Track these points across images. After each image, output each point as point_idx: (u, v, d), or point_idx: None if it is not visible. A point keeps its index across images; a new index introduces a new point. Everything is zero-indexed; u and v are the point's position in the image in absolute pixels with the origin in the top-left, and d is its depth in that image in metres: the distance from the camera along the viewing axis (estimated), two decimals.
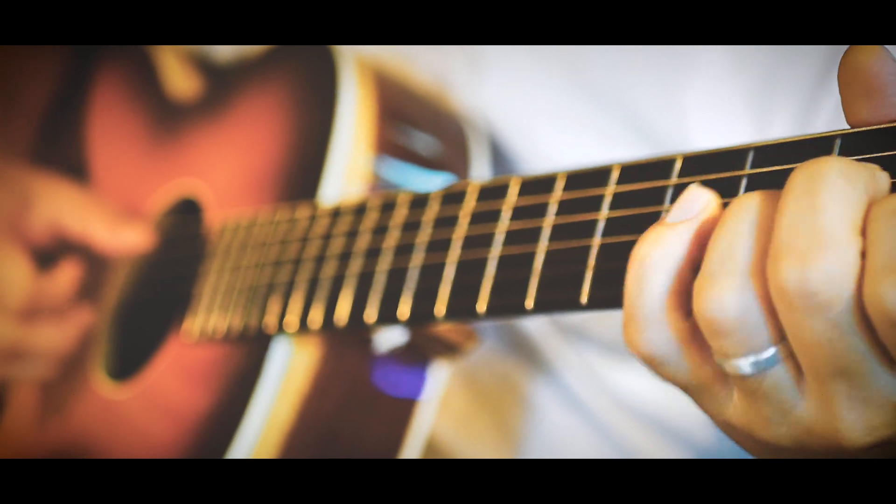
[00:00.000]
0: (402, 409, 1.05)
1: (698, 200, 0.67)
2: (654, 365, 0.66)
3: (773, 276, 0.59)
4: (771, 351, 0.62)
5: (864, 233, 0.58)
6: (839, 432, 0.63)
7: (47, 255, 1.27)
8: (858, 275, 0.58)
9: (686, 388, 0.68)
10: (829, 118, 0.95)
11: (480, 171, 1.11)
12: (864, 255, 0.58)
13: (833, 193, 0.58)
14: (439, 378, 1.06)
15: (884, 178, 0.62)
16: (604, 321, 1.09)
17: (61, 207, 1.24)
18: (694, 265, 0.65)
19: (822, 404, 0.63)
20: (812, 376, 0.62)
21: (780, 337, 0.62)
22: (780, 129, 0.97)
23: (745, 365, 0.63)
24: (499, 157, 1.12)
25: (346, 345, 1.04)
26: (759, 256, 0.61)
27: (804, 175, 0.60)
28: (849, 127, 0.66)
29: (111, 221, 1.23)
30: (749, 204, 0.63)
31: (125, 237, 1.22)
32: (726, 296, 0.61)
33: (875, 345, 0.60)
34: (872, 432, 0.62)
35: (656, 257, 0.65)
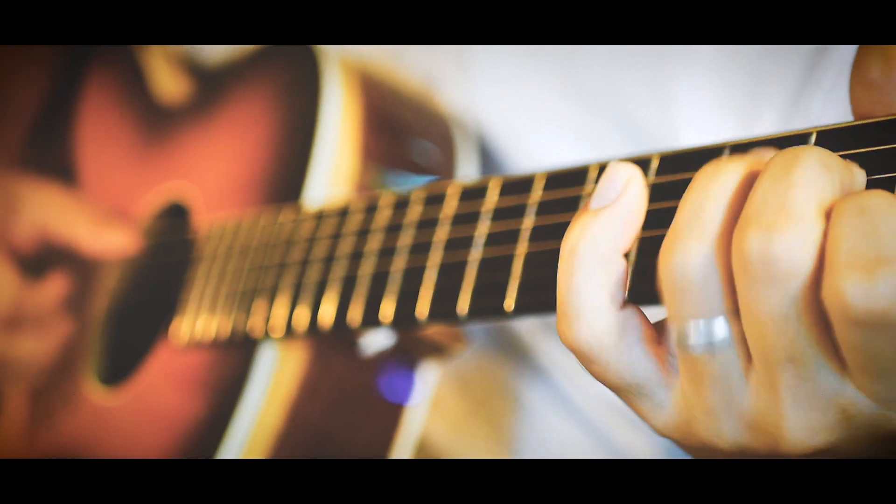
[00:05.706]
0: (392, 412, 1.04)
1: (619, 180, 0.67)
2: (586, 362, 0.66)
3: (738, 244, 0.60)
4: (722, 320, 0.62)
5: (828, 218, 0.59)
6: (780, 430, 0.63)
7: (35, 263, 1.26)
8: (818, 256, 0.58)
9: (619, 389, 0.67)
10: (815, 116, 0.94)
11: (468, 172, 1.10)
12: (825, 241, 0.59)
13: (806, 174, 0.60)
14: (428, 380, 1.05)
15: (860, 176, 0.62)
16: None
17: (46, 211, 1.24)
18: (622, 251, 0.66)
19: (767, 394, 0.62)
20: (760, 361, 0.62)
21: (734, 311, 0.62)
22: (766, 127, 0.96)
23: (697, 329, 0.63)
24: (487, 158, 1.12)
25: (333, 348, 1.04)
26: (726, 224, 0.62)
27: (784, 156, 0.61)
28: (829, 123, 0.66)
29: (95, 224, 1.22)
30: (726, 170, 0.63)
31: (109, 239, 1.22)
32: (692, 254, 0.62)
33: (825, 339, 0.60)
34: (814, 436, 0.62)
35: (581, 248, 0.65)
